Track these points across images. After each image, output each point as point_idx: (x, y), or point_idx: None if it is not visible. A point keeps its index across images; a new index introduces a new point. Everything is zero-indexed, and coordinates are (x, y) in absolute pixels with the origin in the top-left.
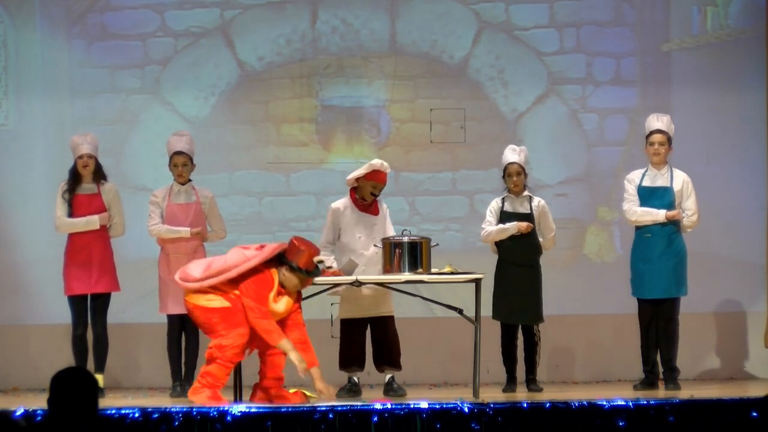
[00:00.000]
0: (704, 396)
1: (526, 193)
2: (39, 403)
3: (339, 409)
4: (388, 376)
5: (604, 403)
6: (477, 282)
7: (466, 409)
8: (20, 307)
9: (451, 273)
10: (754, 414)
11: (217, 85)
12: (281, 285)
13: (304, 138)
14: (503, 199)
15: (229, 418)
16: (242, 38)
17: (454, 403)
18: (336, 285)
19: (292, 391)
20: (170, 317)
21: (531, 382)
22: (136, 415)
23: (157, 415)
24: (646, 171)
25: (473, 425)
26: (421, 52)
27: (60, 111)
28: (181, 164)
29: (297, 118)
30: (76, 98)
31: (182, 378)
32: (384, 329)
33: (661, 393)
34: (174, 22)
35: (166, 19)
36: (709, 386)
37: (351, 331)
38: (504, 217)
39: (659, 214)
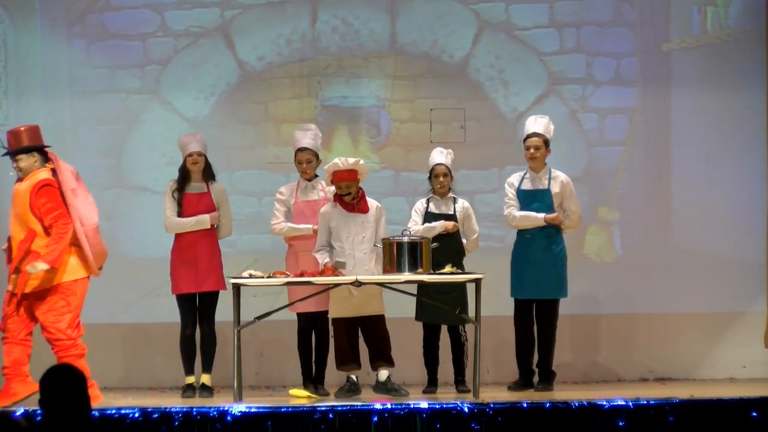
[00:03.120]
0: (704, 396)
1: (450, 194)
2: None
3: (339, 409)
4: (383, 377)
5: (604, 403)
6: (477, 282)
7: (466, 409)
8: None
9: (451, 273)
10: (754, 414)
11: (217, 85)
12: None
13: None
14: (428, 200)
15: (229, 418)
16: (242, 38)
17: (454, 403)
18: (336, 285)
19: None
20: (299, 316)
21: (460, 384)
22: (136, 415)
23: (157, 415)
24: (525, 174)
25: (473, 425)
26: (421, 52)
27: (60, 111)
28: (305, 161)
29: (297, 118)
30: (76, 98)
31: (312, 377)
32: (375, 328)
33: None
34: (174, 22)
35: (166, 19)
36: (709, 386)
37: (343, 329)
38: (429, 217)
39: (538, 219)
